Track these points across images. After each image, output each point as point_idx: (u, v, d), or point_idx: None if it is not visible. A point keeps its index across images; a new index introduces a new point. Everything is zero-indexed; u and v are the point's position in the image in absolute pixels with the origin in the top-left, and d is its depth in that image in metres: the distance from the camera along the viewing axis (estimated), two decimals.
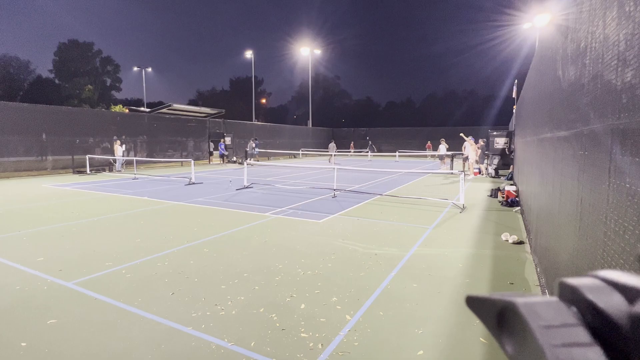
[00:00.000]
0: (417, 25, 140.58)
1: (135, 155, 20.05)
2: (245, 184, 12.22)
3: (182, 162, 21.88)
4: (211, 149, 26.34)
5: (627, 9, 1.57)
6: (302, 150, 34.17)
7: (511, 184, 10.98)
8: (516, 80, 20.98)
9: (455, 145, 24.08)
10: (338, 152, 34.03)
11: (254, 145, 25.39)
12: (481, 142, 17.38)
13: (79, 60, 56.80)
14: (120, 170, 18.46)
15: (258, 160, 25.58)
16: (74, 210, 8.20)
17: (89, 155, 17.59)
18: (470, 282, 4.24)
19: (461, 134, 17.47)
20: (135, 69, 59.99)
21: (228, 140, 26.73)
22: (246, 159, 19.93)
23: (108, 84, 62.02)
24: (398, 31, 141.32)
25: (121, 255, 5.09)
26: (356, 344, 2.95)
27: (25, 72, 55.88)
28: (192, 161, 15.19)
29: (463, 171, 10.85)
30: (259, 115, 62.50)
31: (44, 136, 16.67)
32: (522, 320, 0.27)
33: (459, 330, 3.16)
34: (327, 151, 27.98)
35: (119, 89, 63.72)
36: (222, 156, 25.19)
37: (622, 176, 1.61)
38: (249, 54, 43.54)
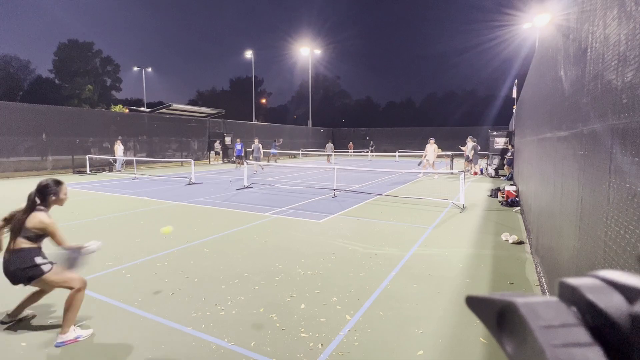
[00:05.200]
0: (417, 25, 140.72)
1: (135, 155, 20.05)
2: (245, 184, 12.22)
3: (182, 162, 21.88)
4: (217, 149, 25.98)
5: (627, 9, 1.57)
6: (302, 150, 34.18)
7: (511, 184, 10.99)
8: (516, 81, 20.99)
9: (452, 146, 24.06)
10: (338, 152, 34.09)
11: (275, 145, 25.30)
12: (471, 141, 17.16)
13: (79, 60, 56.77)
14: (120, 170, 18.46)
15: (276, 161, 25.16)
16: (74, 210, 8.19)
17: (89, 155, 17.59)
18: (470, 282, 4.24)
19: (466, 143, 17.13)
20: (135, 69, 59.99)
21: (228, 140, 26.56)
22: (246, 159, 19.04)
23: (108, 84, 62.01)
24: (398, 31, 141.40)
25: (121, 255, 5.09)
26: (356, 344, 2.95)
27: (25, 72, 55.93)
28: (192, 161, 15.20)
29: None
30: (259, 115, 62.47)
31: (44, 136, 16.67)
32: (522, 320, 0.27)
33: (459, 330, 3.16)
34: (325, 151, 27.89)
35: (119, 89, 63.77)
36: (239, 157, 21.72)
37: (622, 176, 1.61)
38: (249, 54, 43.54)
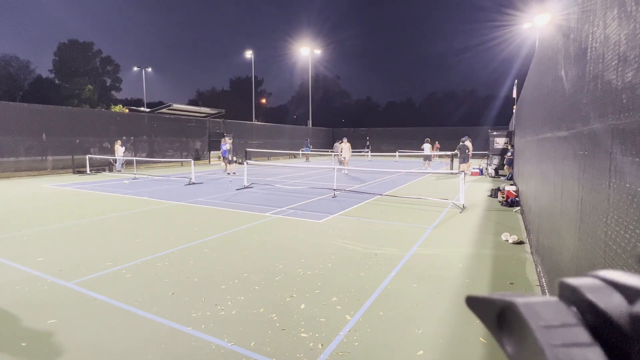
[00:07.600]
0: (418, 25, 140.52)
1: (135, 155, 20.03)
2: (245, 184, 12.22)
3: (182, 162, 21.87)
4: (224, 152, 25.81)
5: (627, 9, 1.57)
6: (302, 151, 34.16)
7: (511, 184, 10.98)
8: (516, 80, 20.96)
9: (452, 147, 24.01)
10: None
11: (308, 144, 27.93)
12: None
13: (79, 60, 56.75)
14: (120, 170, 18.46)
15: (309, 159, 27.88)
16: (74, 210, 8.20)
17: (89, 155, 17.59)
18: (470, 282, 4.24)
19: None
20: (135, 69, 60.01)
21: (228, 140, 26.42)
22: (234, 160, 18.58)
23: (108, 84, 62.00)
24: (398, 31, 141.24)
25: (121, 255, 5.09)
26: (356, 344, 2.95)
27: (25, 72, 55.83)
28: (192, 161, 15.20)
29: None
30: (259, 115, 62.45)
31: (44, 136, 16.67)
32: (522, 320, 0.27)
33: (459, 330, 3.16)
34: (328, 151, 28.34)
35: (119, 89, 63.73)
36: (224, 159, 20.54)
37: (622, 176, 1.61)
38: (249, 54, 43.53)
